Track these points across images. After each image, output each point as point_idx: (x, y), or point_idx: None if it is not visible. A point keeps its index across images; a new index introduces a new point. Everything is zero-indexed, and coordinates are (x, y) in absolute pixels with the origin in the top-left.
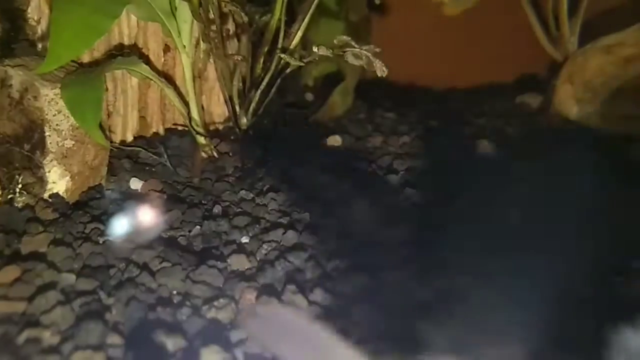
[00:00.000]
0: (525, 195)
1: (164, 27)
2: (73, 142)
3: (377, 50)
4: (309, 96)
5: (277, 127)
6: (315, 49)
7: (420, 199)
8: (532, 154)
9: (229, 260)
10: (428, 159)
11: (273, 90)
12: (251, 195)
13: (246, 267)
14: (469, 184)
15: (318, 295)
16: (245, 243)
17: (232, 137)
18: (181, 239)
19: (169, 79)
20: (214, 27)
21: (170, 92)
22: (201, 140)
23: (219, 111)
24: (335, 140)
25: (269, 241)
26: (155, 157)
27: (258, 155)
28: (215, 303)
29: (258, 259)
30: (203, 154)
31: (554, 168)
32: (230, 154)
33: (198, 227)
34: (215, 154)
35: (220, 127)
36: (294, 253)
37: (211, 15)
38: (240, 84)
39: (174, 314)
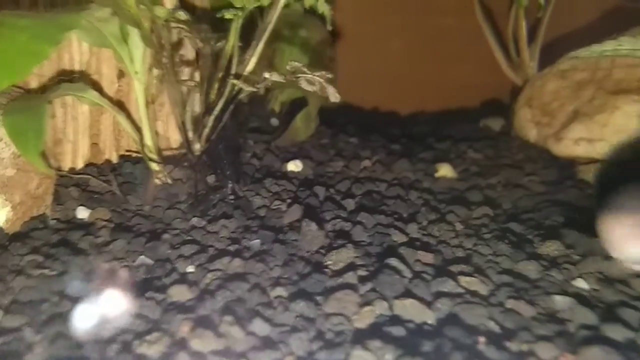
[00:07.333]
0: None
1: (116, 53)
2: (15, 171)
3: (330, 76)
4: (275, 121)
5: (232, 153)
6: (267, 75)
7: (369, 221)
8: (485, 175)
9: (169, 291)
10: (387, 183)
11: (226, 115)
12: (203, 222)
13: (187, 298)
14: (425, 205)
15: (257, 325)
16: (190, 272)
17: (185, 164)
18: (123, 270)
19: (123, 105)
20: (166, 53)
21: (121, 119)
22: (154, 166)
23: (176, 137)
24: (295, 166)
25: (214, 270)
26: (105, 184)
27: (212, 181)
28: (148, 337)
29: (200, 289)
30: (157, 181)
31: (502, 187)
32: (184, 181)
33: (142, 256)
34: (169, 181)
35: (177, 153)
36: (237, 282)
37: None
38: (196, 110)
39: (103, 350)
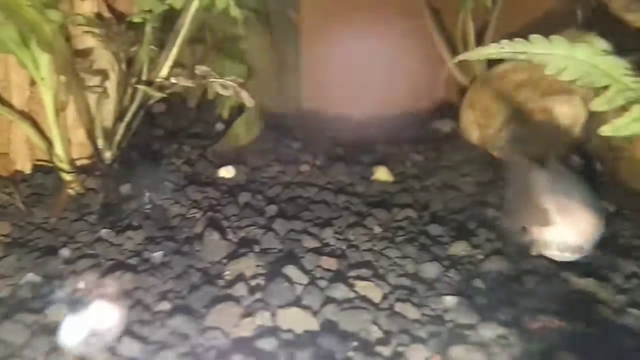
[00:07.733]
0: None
1: (19, 59)
2: None
3: (241, 81)
4: (220, 126)
5: (151, 160)
6: (174, 80)
7: (283, 227)
8: (422, 178)
9: (46, 312)
10: (318, 187)
11: (137, 122)
12: (112, 234)
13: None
14: (348, 209)
15: (125, 346)
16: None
17: (97, 173)
18: (5, 290)
19: (37, 114)
20: (77, 59)
21: (26, 127)
22: (66, 177)
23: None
24: (227, 172)
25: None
26: (8, 197)
27: (127, 190)
28: None
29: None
30: (69, 191)
31: (435, 189)
32: (97, 190)
33: (30, 274)
34: (82, 191)
35: (93, 161)
36: (119, 299)
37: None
38: (107, 117)
39: None
